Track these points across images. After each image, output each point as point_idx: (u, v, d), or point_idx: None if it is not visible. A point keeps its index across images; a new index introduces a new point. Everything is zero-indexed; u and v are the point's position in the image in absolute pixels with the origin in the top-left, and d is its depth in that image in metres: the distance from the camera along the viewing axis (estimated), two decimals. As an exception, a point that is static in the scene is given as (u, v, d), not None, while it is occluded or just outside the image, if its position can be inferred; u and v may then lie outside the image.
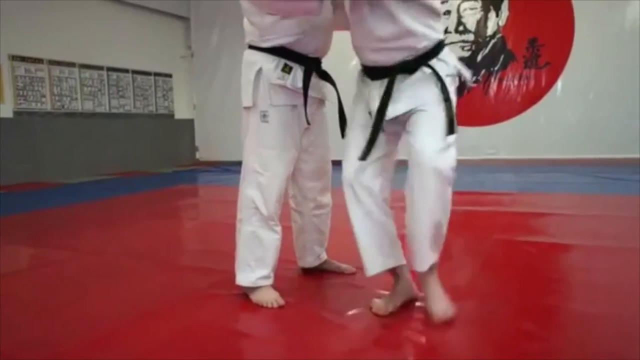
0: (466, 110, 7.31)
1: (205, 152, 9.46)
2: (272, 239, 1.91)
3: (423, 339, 1.57)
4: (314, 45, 1.87)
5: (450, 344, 1.57)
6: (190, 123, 9.56)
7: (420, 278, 1.73)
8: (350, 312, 1.79)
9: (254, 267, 1.90)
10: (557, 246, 2.71)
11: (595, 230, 3.04)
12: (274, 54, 1.83)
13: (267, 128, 1.86)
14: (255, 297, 1.90)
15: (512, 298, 1.93)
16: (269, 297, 1.87)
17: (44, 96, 6.97)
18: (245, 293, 1.94)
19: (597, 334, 1.58)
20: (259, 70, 1.83)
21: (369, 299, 1.83)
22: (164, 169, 8.32)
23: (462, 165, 6.67)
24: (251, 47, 1.91)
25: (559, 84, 6.88)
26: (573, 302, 1.93)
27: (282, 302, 1.87)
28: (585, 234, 2.96)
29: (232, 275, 1.96)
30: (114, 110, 8.03)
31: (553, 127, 6.84)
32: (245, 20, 1.92)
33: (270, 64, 1.83)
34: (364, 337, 1.62)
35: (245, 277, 1.91)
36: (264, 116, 1.85)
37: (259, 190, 1.87)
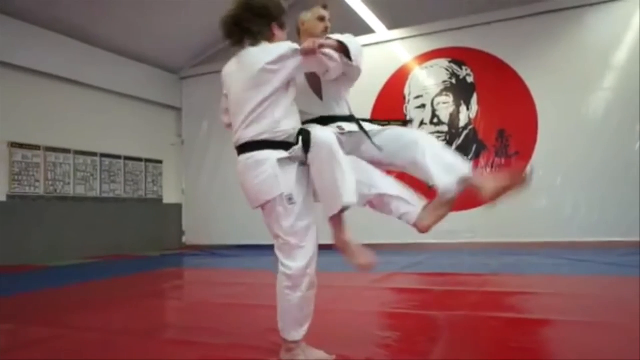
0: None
1: (191, 236, 9.63)
2: (314, 295, 2.18)
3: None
4: None
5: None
6: (178, 207, 9.81)
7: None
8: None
9: (303, 323, 2.15)
10: (521, 320, 2.94)
11: (556, 306, 3.28)
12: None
13: (295, 208, 2.11)
14: (312, 357, 2.14)
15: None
16: (323, 355, 2.15)
17: (37, 181, 7.23)
18: None
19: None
20: (278, 160, 2.11)
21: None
22: (151, 252, 8.45)
23: (441, 250, 6.94)
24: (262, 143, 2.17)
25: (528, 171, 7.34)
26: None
27: (334, 355, 2.15)
28: (547, 310, 3.20)
29: (217, 348, 2.12)
30: (104, 195, 8.28)
31: (525, 211, 7.19)
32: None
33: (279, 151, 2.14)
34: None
35: (296, 333, 2.14)
36: (289, 199, 2.11)
37: (305, 260, 2.11)
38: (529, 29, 7.35)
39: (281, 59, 2.13)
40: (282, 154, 2.11)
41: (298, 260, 2.11)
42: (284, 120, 2.15)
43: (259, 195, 2.14)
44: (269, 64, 2.12)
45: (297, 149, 2.11)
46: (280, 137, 2.13)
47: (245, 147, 2.18)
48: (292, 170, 2.13)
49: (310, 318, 2.17)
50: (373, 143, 2.31)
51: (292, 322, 2.14)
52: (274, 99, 2.15)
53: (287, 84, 2.19)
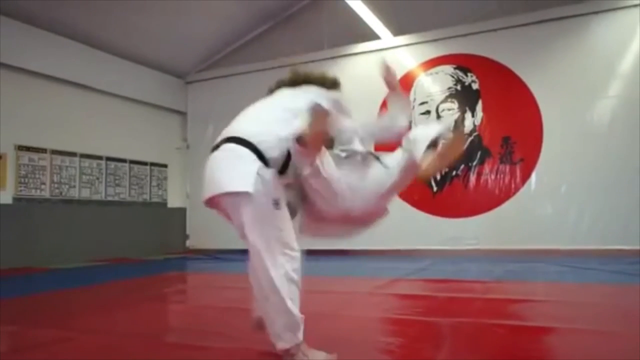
0: (448, 202, 7.74)
1: (195, 240, 9.65)
2: (297, 294, 2.16)
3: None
4: None
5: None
6: (182, 211, 9.84)
7: None
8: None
9: (296, 327, 2.10)
10: (524, 328, 2.93)
11: (559, 314, 3.27)
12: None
13: (279, 213, 2.11)
14: (314, 357, 2.11)
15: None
16: (324, 355, 2.13)
17: (43, 183, 7.28)
18: None
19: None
20: (262, 166, 2.08)
21: None
22: (155, 256, 8.47)
23: (445, 256, 6.92)
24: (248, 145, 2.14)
25: (533, 178, 7.35)
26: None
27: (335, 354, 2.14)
28: (550, 317, 3.19)
29: (222, 352, 2.13)
30: (109, 198, 8.32)
31: (529, 218, 7.20)
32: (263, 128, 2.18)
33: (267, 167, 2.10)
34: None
35: (294, 337, 2.10)
36: (276, 204, 2.09)
37: (292, 266, 2.11)
38: (534, 36, 7.37)
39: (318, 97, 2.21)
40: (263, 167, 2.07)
41: (287, 265, 2.09)
42: (284, 144, 2.10)
43: (229, 183, 2.11)
44: (303, 92, 2.27)
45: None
46: (270, 154, 2.09)
47: (232, 140, 2.16)
48: (270, 180, 2.09)
49: (302, 321, 2.12)
50: (381, 162, 2.32)
51: (284, 329, 2.10)
52: (288, 118, 2.14)
53: None
